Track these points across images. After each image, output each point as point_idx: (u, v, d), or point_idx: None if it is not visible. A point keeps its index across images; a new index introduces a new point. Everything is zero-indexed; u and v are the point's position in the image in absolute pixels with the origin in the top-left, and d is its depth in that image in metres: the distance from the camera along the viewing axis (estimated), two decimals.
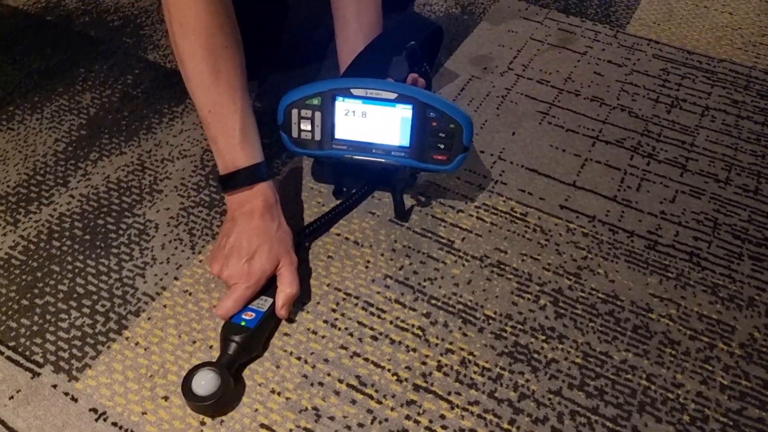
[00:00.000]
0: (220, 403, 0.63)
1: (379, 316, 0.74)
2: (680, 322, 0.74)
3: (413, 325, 0.73)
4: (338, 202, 0.84)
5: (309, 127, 0.77)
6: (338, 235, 0.82)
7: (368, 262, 0.79)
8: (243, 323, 0.67)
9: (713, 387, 0.68)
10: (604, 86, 1.06)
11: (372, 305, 0.75)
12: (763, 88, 1.06)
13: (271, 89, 1.04)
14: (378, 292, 0.76)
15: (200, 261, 0.79)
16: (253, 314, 0.69)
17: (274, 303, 0.70)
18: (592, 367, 0.70)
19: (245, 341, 0.67)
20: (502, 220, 0.84)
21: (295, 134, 0.78)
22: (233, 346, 0.66)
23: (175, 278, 0.77)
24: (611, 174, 0.91)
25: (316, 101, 0.76)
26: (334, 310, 0.74)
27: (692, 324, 0.74)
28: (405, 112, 0.75)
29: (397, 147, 0.77)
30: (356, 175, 0.87)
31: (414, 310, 0.75)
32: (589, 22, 1.19)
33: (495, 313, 0.74)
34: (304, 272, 0.77)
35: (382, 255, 0.80)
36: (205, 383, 0.63)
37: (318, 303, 0.75)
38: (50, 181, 0.88)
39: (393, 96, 0.75)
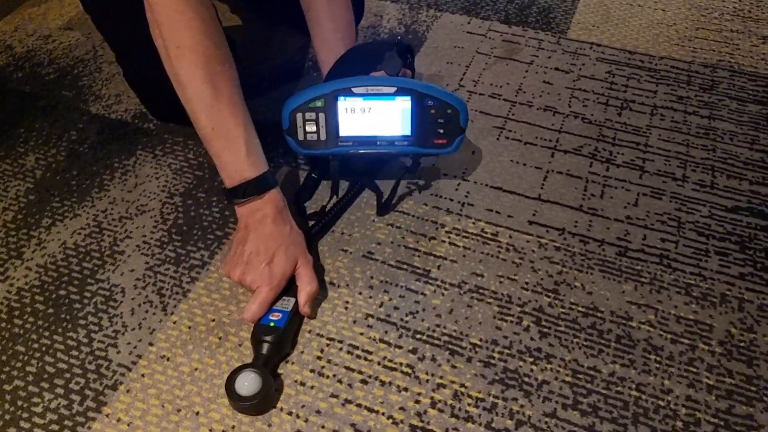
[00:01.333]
0: (264, 402, 0.66)
1: (365, 359, 0.73)
2: (660, 327, 0.75)
3: (401, 364, 0.72)
4: (338, 198, 0.87)
5: (314, 129, 0.80)
6: None
7: (347, 302, 0.78)
8: (272, 324, 0.71)
9: (701, 389, 0.70)
10: (555, 94, 1.07)
11: (357, 348, 0.74)
12: (704, 81, 1.09)
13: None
14: (361, 333, 0.75)
15: (174, 323, 0.76)
16: (280, 314, 0.72)
17: (296, 302, 0.74)
18: (582, 384, 0.70)
19: (277, 340, 0.70)
20: (474, 243, 0.84)
21: (301, 137, 0.81)
22: (266, 346, 0.69)
23: (150, 344, 0.74)
24: (574, 183, 0.92)
25: (319, 103, 0.79)
26: (319, 358, 0.73)
27: (672, 327, 0.75)
28: (405, 103, 0.80)
29: (401, 137, 0.82)
30: (357, 170, 0.90)
31: (400, 347, 0.74)
32: (531, 30, 1.21)
33: (481, 340, 0.74)
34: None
35: (360, 294, 0.79)
36: (248, 384, 0.65)
37: (302, 352, 0.73)
38: (3, 254, 0.84)
39: (392, 90, 0.79)
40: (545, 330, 0.75)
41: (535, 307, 0.77)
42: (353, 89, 0.79)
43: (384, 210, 0.88)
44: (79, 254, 0.84)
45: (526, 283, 0.80)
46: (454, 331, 0.75)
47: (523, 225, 0.86)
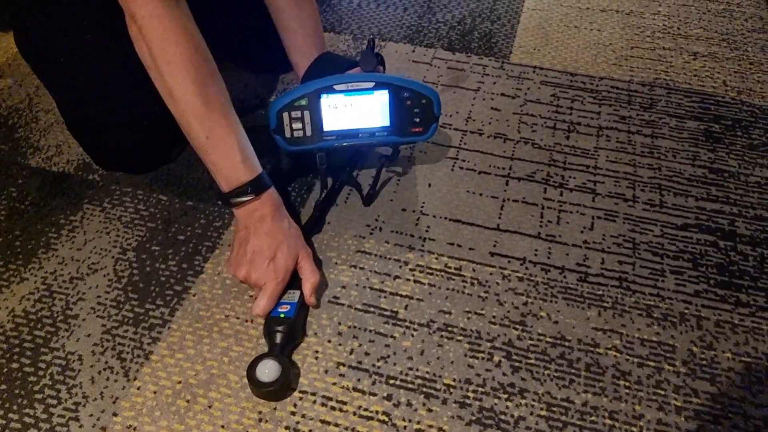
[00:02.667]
0: (284, 386, 0.71)
1: (341, 410, 0.72)
2: (626, 352, 0.77)
3: (377, 412, 0.72)
4: (326, 191, 0.92)
5: (300, 126, 0.85)
6: None
7: (317, 352, 0.77)
8: (282, 315, 0.75)
9: (670, 411, 0.72)
10: (504, 121, 1.09)
11: (331, 399, 0.73)
12: (644, 100, 1.13)
13: None
14: (334, 383, 0.74)
15: (138, 388, 0.73)
16: (288, 306, 0.76)
17: (302, 293, 0.78)
18: (557, 416, 0.71)
19: (289, 329, 0.74)
20: (439, 279, 0.85)
21: (288, 135, 0.86)
22: (279, 335, 0.74)
23: (114, 414, 0.71)
24: (530, 211, 0.93)
25: (303, 102, 0.84)
26: (293, 413, 0.71)
27: (637, 351, 0.77)
28: (383, 97, 0.85)
29: (380, 128, 0.87)
30: (340, 164, 0.97)
31: (374, 394, 0.73)
32: (475, 56, 1.23)
33: (454, 380, 0.74)
34: None
35: (330, 341, 0.78)
36: (268, 371, 0.70)
37: (275, 409, 0.72)
38: None
39: (371, 85, 0.84)
40: (516, 364, 0.76)
41: (504, 342, 0.78)
42: (335, 86, 0.84)
43: (369, 200, 0.94)
44: (30, 322, 0.80)
45: (494, 317, 0.80)
46: (427, 372, 0.75)
47: (485, 257, 0.87)
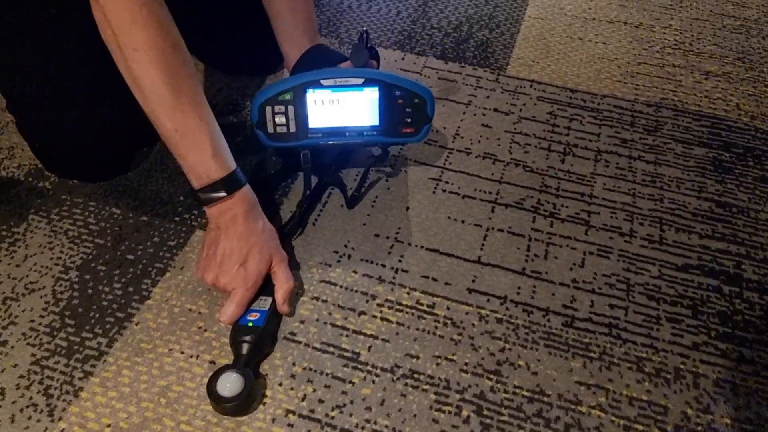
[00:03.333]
0: (247, 402, 0.66)
1: None
2: (612, 412, 0.69)
3: None
4: (308, 193, 0.85)
5: (284, 121, 0.80)
6: None
7: (265, 396, 0.69)
8: (250, 324, 0.70)
9: None
10: (494, 139, 1.00)
11: None
12: (648, 122, 1.04)
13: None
14: None
15: (62, 431, 0.65)
16: (257, 314, 0.71)
17: (274, 300, 0.73)
18: None
19: (257, 339, 0.69)
20: (408, 318, 0.76)
21: (270, 130, 0.81)
22: (246, 346, 0.68)
23: None
24: (516, 243, 0.85)
25: (288, 96, 0.79)
26: None
27: (624, 411, 0.69)
28: (373, 94, 0.80)
29: (369, 127, 0.82)
30: (326, 163, 0.92)
31: None
32: (469, 67, 1.14)
33: None
34: None
35: (281, 385, 0.70)
36: (230, 385, 0.65)
37: None
38: None
39: (360, 81, 0.79)
40: (487, 421, 0.68)
41: (475, 393, 0.70)
42: (322, 81, 0.79)
43: (354, 202, 0.88)
44: None
45: (466, 364, 0.72)
46: (386, 426, 0.67)
47: (461, 294, 0.79)
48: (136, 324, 0.75)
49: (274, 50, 0.91)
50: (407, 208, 0.89)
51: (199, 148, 0.70)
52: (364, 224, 0.86)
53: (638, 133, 1.02)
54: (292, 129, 0.81)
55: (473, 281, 0.80)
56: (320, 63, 0.85)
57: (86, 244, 0.83)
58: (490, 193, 0.92)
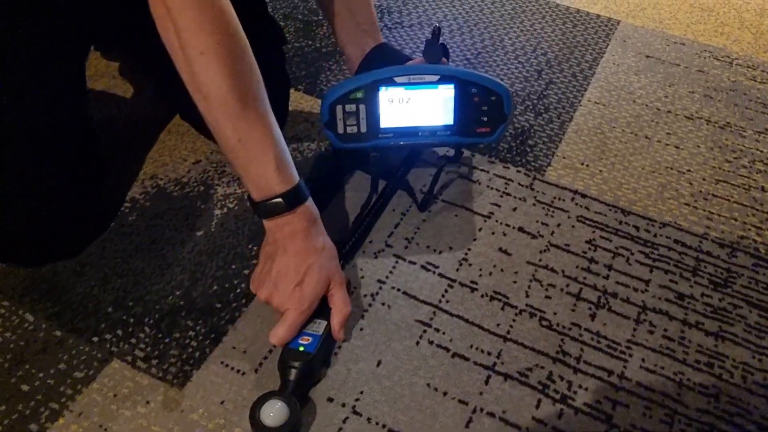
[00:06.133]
0: None
1: None
2: None
3: None
4: (371, 203, 0.84)
5: (354, 121, 0.77)
6: None
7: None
8: (301, 348, 0.66)
9: None
10: (511, 272, 0.79)
11: None
12: (717, 272, 0.81)
13: None
14: None
15: None
16: (310, 338, 0.67)
17: (328, 325, 0.68)
18: None
19: (306, 366, 0.65)
20: None
21: (341, 130, 0.77)
22: (294, 372, 0.64)
23: None
24: None
25: (359, 94, 0.76)
26: None
27: None
28: (448, 92, 0.76)
29: (442, 127, 0.78)
30: (393, 166, 0.89)
31: None
32: (499, 163, 0.93)
33: None
34: None
35: None
36: (273, 414, 0.60)
37: None
38: None
39: (435, 78, 0.75)
40: None
41: None
42: (395, 78, 0.75)
43: (426, 204, 0.85)
44: None
45: None
46: None
47: None
48: None
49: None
50: (378, 363, 0.70)
51: (262, 160, 0.65)
52: (317, 380, 0.68)
53: (701, 286, 0.79)
54: (363, 129, 0.77)
55: None
56: (385, 62, 0.81)
57: None
58: (490, 354, 0.71)
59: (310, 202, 0.69)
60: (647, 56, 1.14)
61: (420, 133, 0.79)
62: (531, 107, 1.02)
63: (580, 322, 0.75)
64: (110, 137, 0.95)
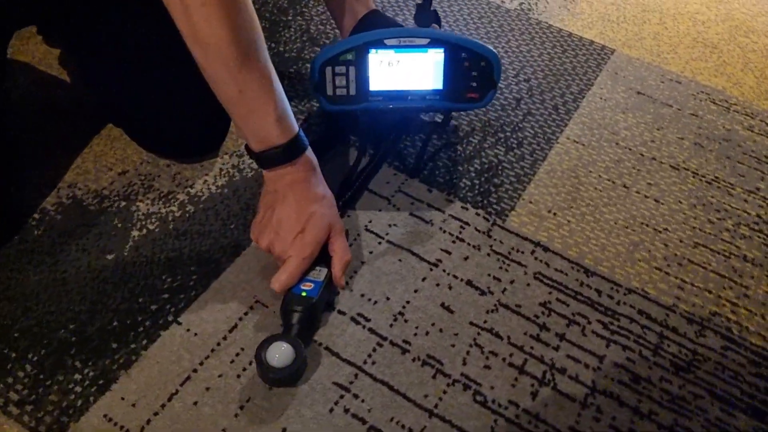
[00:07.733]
0: (296, 374, 0.63)
1: None
2: None
3: None
4: (367, 160, 0.85)
5: (344, 83, 0.77)
6: None
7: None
8: (304, 294, 0.66)
9: None
10: (450, 334, 0.71)
11: None
12: (681, 352, 0.72)
13: None
14: None
15: None
16: (311, 284, 0.67)
17: (329, 272, 0.69)
18: None
19: (309, 310, 0.66)
20: None
21: (330, 92, 0.77)
22: (297, 315, 0.65)
23: None
24: None
25: (350, 56, 0.76)
26: None
27: None
28: (438, 56, 0.76)
29: (432, 91, 0.79)
30: (385, 128, 0.88)
31: None
32: (458, 202, 0.84)
33: None
34: None
35: None
36: (279, 355, 0.62)
37: None
38: None
39: (425, 41, 0.75)
40: None
41: None
42: (385, 41, 0.75)
43: (417, 172, 0.86)
44: None
45: None
46: None
47: None
48: None
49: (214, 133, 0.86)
50: (282, 431, 0.62)
51: (262, 112, 0.65)
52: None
53: (661, 368, 0.70)
54: (352, 92, 0.77)
55: None
56: (377, 28, 0.79)
57: None
58: (411, 431, 0.63)
59: (309, 152, 0.70)
60: (638, 92, 1.05)
61: (409, 97, 0.79)
62: (503, 140, 0.93)
63: (519, 401, 0.66)
64: (31, 131, 0.86)
